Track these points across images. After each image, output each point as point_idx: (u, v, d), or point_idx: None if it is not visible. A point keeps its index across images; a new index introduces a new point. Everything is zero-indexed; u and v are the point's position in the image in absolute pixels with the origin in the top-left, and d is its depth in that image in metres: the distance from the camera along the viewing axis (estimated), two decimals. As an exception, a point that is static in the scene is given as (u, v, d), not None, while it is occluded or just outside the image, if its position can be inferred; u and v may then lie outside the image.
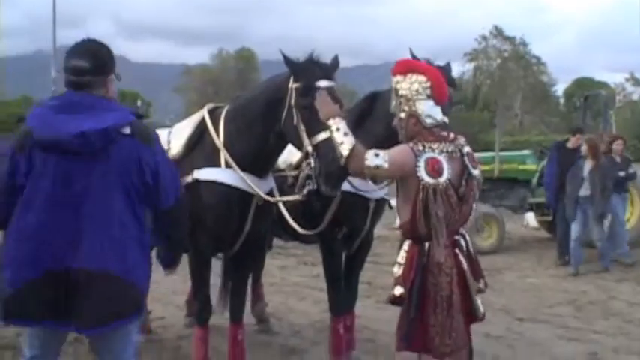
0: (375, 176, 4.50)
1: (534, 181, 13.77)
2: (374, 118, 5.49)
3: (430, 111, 4.39)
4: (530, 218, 14.77)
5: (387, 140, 4.76)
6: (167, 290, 8.52)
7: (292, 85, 4.82)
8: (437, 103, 4.43)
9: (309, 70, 4.81)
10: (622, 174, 11.62)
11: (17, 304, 3.43)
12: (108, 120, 3.50)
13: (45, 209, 3.42)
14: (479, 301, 4.43)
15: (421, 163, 4.20)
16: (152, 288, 7.54)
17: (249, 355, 5.80)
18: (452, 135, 4.44)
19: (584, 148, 10.93)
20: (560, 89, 70.54)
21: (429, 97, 4.39)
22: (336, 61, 5.02)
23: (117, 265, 3.48)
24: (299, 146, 4.82)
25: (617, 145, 11.99)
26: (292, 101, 4.79)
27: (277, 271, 10.42)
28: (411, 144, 4.29)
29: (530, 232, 14.95)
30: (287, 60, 4.86)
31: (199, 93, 54.78)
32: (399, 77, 4.47)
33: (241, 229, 5.26)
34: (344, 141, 4.30)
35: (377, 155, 4.22)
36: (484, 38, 36.92)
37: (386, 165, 4.21)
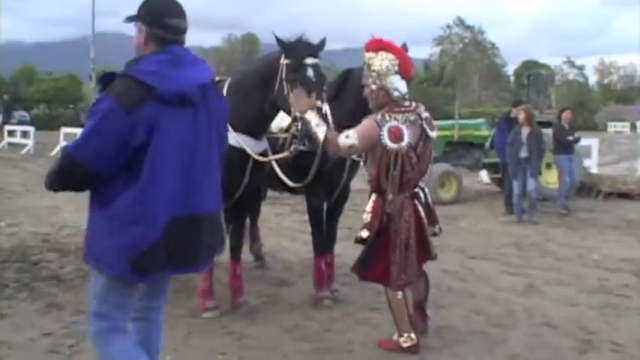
0: (351, 153, 4.45)
1: (487, 144, 13.76)
2: (347, 91, 5.41)
3: (397, 85, 4.33)
4: (484, 175, 14.85)
5: (357, 109, 4.73)
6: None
7: (283, 61, 4.75)
8: (403, 77, 4.36)
9: (297, 49, 4.74)
10: (570, 138, 11.51)
11: (151, 257, 2.88)
12: (211, 72, 3.20)
13: (172, 162, 2.90)
14: (432, 242, 4.43)
15: (384, 132, 4.16)
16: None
17: (248, 286, 5.79)
18: (413, 104, 4.38)
19: (521, 117, 10.73)
20: (510, 70, 70.40)
21: (396, 72, 4.32)
22: (322, 42, 4.93)
23: (218, 207, 3.25)
24: (289, 112, 4.75)
25: (567, 114, 11.82)
26: (283, 75, 4.73)
27: (274, 217, 10.35)
28: (378, 116, 4.24)
29: (483, 186, 14.97)
30: (279, 40, 4.80)
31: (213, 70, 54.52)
32: (371, 54, 4.40)
33: (240, 182, 5.20)
34: (317, 131, 4.27)
35: (347, 136, 4.22)
36: (448, 27, 36.75)
37: (357, 142, 4.19)
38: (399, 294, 4.42)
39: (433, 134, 4.40)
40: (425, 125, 4.33)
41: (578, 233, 9.68)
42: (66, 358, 4.50)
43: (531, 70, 23.32)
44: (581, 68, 73.74)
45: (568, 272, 7.21)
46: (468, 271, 7.16)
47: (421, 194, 4.44)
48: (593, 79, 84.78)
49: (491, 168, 13.92)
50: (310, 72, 4.66)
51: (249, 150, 5.04)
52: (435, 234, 4.55)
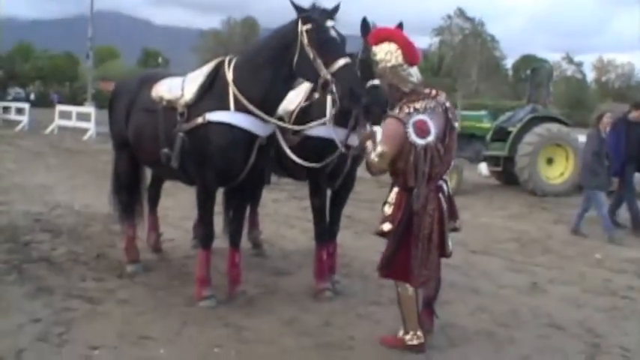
0: (385, 161, 4.12)
1: (488, 137, 13.55)
2: None
3: (406, 75, 4.10)
4: (483, 168, 14.62)
5: None
6: (177, 216, 8.25)
7: (302, 28, 4.60)
8: (411, 64, 4.12)
9: (317, 14, 4.61)
10: None
11: None
12: None
13: None
14: (450, 239, 4.23)
15: (410, 128, 3.93)
16: (164, 214, 7.38)
17: (245, 274, 5.59)
18: (433, 91, 4.16)
19: (607, 120, 9.15)
20: (509, 63, 70.19)
21: (402, 62, 4.09)
22: (336, 6, 4.78)
23: None
24: (315, 79, 4.57)
25: None
26: (305, 41, 4.56)
27: (271, 203, 10.10)
28: (397, 112, 4.02)
29: (483, 179, 14.76)
30: (296, 6, 4.66)
31: (212, 53, 54.36)
32: (374, 48, 4.20)
33: (244, 165, 4.98)
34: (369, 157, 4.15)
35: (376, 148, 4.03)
36: (449, 17, 36.66)
37: (385, 148, 3.98)
38: (410, 290, 4.20)
39: (457, 124, 4.20)
40: (450, 115, 4.12)
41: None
42: (55, 348, 4.26)
43: (535, 64, 23.04)
44: (579, 65, 73.56)
45: (571, 271, 7.06)
46: (470, 266, 6.97)
47: (444, 187, 4.23)
48: (590, 76, 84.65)
49: (492, 161, 13.72)
50: (333, 33, 4.56)
51: (256, 131, 4.83)
52: (455, 229, 4.34)
